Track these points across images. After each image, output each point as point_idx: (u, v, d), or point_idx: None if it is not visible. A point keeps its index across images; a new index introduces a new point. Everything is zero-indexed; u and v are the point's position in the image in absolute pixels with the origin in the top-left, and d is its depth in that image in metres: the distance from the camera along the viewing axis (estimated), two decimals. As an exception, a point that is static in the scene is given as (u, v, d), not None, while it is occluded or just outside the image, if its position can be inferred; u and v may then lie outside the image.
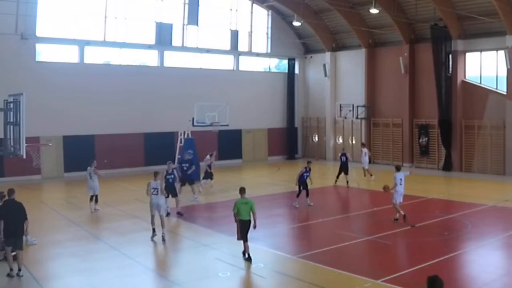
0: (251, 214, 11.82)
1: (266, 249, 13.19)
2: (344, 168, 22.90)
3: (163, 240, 13.84)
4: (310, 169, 18.77)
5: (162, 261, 12.89)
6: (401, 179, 15.50)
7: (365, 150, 25.40)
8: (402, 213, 15.28)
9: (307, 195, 18.58)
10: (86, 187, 18.20)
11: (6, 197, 11.41)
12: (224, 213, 18.36)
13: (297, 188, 18.74)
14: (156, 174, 14.59)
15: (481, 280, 10.55)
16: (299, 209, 18.79)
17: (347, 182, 22.79)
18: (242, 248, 12.05)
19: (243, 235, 11.88)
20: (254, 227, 11.87)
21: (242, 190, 12.13)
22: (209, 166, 21.74)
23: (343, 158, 23.08)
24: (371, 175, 24.59)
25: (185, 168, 19.82)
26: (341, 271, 11.09)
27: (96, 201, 17.92)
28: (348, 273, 10.92)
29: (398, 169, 16.11)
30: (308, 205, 18.53)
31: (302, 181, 18.50)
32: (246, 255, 11.92)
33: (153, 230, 14.08)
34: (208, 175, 21.79)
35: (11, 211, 11.03)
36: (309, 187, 18.72)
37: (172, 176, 16.82)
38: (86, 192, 21.95)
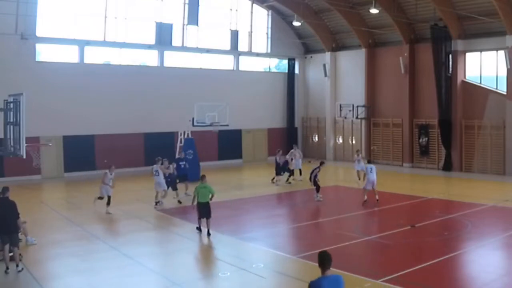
0: (210, 196, 14.46)
1: (266, 249, 13.19)
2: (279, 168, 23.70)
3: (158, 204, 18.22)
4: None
5: (162, 261, 12.87)
6: (371, 168, 18.71)
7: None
8: (365, 198, 18.38)
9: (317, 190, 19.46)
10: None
11: (1, 195, 11.51)
12: (224, 213, 18.39)
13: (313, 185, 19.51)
14: (157, 160, 18.96)
15: (481, 280, 10.54)
16: (299, 209, 18.88)
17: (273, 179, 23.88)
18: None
19: (202, 213, 14.31)
20: (211, 199, 14.52)
21: (202, 177, 14.82)
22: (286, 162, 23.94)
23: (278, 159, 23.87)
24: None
25: (182, 166, 20.49)
26: (341, 271, 11.04)
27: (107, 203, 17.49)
28: (348, 273, 10.90)
29: (369, 162, 19.70)
30: (318, 200, 19.28)
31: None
32: (199, 227, 14.47)
33: (156, 203, 18.13)
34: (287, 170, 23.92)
35: (3, 208, 11.23)
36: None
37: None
38: (87, 192, 22.05)
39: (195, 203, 14.45)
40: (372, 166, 19.05)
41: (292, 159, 24.50)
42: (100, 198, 17.81)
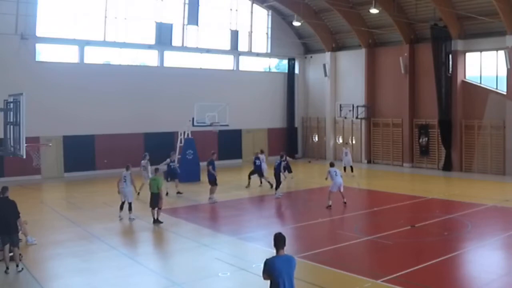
0: (158, 188, 15.87)
1: (266, 249, 13.16)
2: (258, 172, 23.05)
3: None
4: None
5: (162, 261, 12.88)
6: (335, 172, 18.26)
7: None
8: (330, 203, 17.88)
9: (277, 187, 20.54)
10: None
11: (0, 195, 11.50)
12: (224, 213, 18.42)
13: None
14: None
15: (481, 280, 10.54)
16: (299, 209, 18.85)
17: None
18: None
19: (152, 203, 15.80)
20: (158, 193, 15.92)
21: (156, 170, 16.62)
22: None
23: (257, 162, 23.00)
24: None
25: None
26: (341, 271, 11.09)
27: (130, 209, 16.54)
28: (348, 273, 10.92)
29: (331, 165, 18.78)
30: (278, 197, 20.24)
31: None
32: (154, 219, 15.72)
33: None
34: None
35: (3, 208, 11.21)
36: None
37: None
38: (87, 192, 22.08)
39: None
40: (336, 169, 18.64)
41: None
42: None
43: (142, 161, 21.42)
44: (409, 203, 19.21)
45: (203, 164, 25.03)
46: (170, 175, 21.58)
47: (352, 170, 25.96)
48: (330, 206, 17.91)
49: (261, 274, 6.98)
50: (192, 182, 23.81)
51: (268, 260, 6.74)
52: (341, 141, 33.96)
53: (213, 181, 19.72)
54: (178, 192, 21.10)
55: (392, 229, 14.70)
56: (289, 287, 6.72)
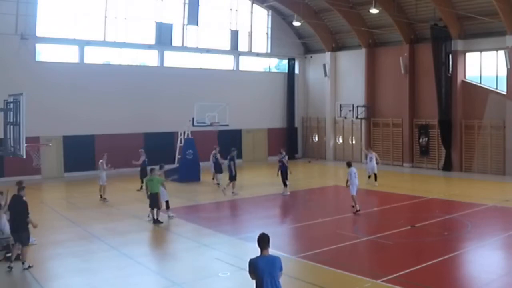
0: (160, 187, 15.98)
1: (266, 249, 13.18)
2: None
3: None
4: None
5: (162, 261, 12.88)
6: (355, 173, 17.25)
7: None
8: (358, 207, 16.97)
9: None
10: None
11: (16, 192, 11.73)
12: (224, 213, 18.44)
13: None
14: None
15: (481, 280, 10.54)
16: (299, 209, 18.83)
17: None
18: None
19: (151, 204, 15.77)
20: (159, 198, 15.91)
21: (151, 170, 16.38)
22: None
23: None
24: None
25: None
26: (341, 271, 11.09)
27: (167, 207, 16.61)
28: (348, 273, 10.92)
29: (349, 165, 17.62)
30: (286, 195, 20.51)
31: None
32: (154, 219, 15.75)
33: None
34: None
35: (17, 206, 11.42)
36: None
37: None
38: (87, 192, 22.07)
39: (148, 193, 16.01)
40: (354, 169, 17.44)
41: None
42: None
43: (101, 160, 20.14)
44: (409, 203, 19.21)
45: (203, 164, 25.15)
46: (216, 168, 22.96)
47: (375, 179, 22.83)
48: (359, 210, 16.99)
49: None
50: (192, 182, 23.82)
51: (252, 260, 6.88)
52: (341, 141, 34.01)
53: (232, 177, 20.89)
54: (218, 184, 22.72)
55: (392, 229, 14.70)
56: (272, 287, 6.80)
